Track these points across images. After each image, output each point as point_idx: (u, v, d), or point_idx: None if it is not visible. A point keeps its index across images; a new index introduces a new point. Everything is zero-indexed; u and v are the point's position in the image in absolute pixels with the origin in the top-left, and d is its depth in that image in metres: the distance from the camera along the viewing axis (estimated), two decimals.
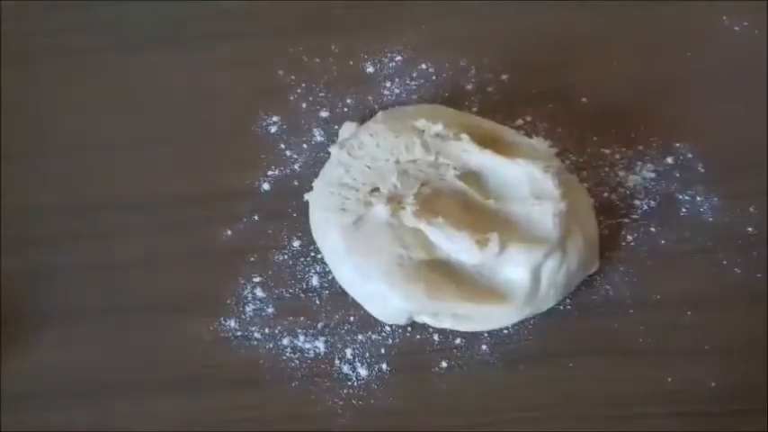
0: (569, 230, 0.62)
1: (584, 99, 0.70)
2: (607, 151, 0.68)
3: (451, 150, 0.63)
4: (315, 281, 0.65)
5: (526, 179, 0.62)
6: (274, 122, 0.71)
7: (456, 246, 0.61)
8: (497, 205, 0.62)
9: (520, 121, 0.69)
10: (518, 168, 0.62)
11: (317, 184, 0.65)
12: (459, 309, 0.61)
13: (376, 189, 0.63)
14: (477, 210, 0.62)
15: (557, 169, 0.63)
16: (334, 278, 0.64)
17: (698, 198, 0.67)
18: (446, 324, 0.62)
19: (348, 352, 0.63)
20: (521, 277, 0.61)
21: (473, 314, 0.61)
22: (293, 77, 0.72)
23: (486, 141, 0.64)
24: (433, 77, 0.72)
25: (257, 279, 0.65)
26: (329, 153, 0.66)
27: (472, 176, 0.63)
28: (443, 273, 0.61)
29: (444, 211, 0.61)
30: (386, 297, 0.61)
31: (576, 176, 0.67)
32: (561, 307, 0.63)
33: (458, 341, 0.63)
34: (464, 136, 0.63)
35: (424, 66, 0.72)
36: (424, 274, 0.61)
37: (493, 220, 0.62)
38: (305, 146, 0.70)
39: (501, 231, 0.60)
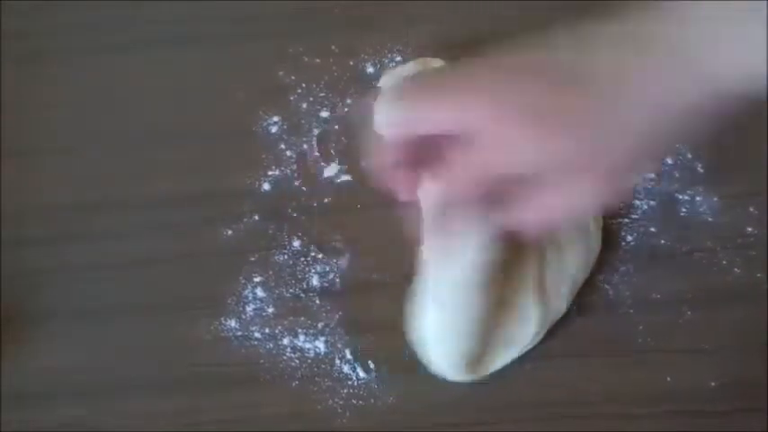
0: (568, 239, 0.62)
1: None
2: None
3: None
4: (315, 281, 0.65)
5: None
6: (274, 122, 0.71)
7: None
8: None
9: None
10: None
11: None
12: None
13: None
14: None
15: None
16: (334, 278, 0.65)
17: (697, 198, 0.67)
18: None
19: (348, 352, 0.63)
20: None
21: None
22: (293, 77, 0.72)
23: None
24: None
25: (257, 279, 0.65)
26: None
27: None
28: None
29: None
30: None
31: None
32: None
33: None
34: None
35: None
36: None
37: None
38: (305, 146, 0.70)
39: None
